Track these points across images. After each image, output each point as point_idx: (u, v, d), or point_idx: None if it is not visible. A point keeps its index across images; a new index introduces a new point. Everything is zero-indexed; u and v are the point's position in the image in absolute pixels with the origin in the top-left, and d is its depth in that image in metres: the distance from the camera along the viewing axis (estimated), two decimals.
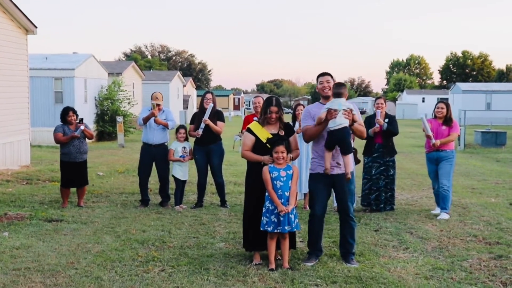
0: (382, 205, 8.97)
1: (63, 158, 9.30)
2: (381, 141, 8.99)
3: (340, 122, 5.84)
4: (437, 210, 8.91)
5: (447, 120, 8.93)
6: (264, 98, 6.56)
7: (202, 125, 9.05)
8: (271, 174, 5.79)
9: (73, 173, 9.21)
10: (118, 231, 7.51)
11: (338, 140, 5.90)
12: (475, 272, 5.81)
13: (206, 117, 9.03)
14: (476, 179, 13.05)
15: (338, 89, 5.98)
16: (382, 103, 9.18)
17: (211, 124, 9.05)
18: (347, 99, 6.11)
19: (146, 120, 9.27)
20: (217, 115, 9.26)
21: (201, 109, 9.26)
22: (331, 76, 6.28)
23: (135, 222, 8.07)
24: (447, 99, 52.19)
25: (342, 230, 6.26)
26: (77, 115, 9.38)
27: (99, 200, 9.80)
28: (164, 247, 6.68)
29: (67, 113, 9.27)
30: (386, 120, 9.05)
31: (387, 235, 7.42)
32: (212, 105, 9.14)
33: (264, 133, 6.05)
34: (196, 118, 9.35)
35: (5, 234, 7.23)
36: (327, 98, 6.10)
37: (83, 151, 9.33)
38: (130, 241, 6.96)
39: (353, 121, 5.97)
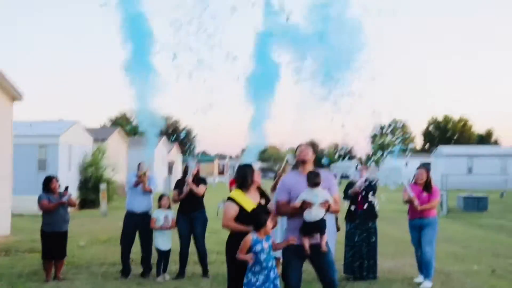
0: (365, 273, 8.93)
1: (46, 229, 9.08)
2: (362, 208, 9.05)
3: (316, 214, 5.75)
4: (420, 278, 8.87)
5: (427, 186, 9.05)
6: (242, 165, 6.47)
7: (185, 188, 9.09)
8: (255, 248, 5.60)
9: (56, 244, 9.01)
10: None
11: (314, 230, 5.81)
12: None
13: (188, 175, 9.11)
14: (459, 245, 13.06)
15: (314, 179, 5.82)
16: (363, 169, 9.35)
17: (192, 184, 9.08)
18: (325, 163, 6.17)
19: (136, 184, 9.30)
20: (199, 181, 9.32)
21: (185, 176, 9.35)
22: (312, 146, 6.31)
23: None
24: (429, 163, 52.80)
25: None
26: (59, 184, 9.36)
27: (79, 272, 9.61)
28: None
29: (50, 181, 9.20)
30: (366, 183, 9.19)
31: None
32: (195, 163, 9.22)
33: (248, 203, 5.98)
34: (180, 184, 9.40)
35: None
36: (304, 162, 6.05)
37: (67, 220, 9.24)
38: None
39: (328, 207, 5.84)
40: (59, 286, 8.53)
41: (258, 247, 5.61)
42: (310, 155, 6.07)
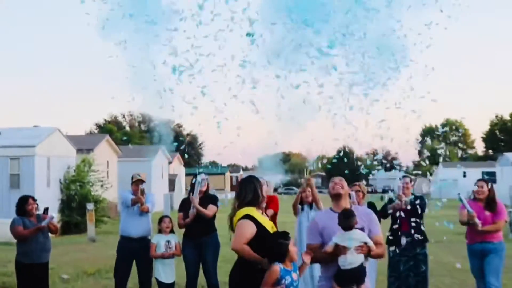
0: None
1: (23, 260, 9.12)
2: (407, 229, 9.05)
3: (352, 260, 5.78)
4: None
5: (490, 203, 9.08)
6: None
7: (192, 211, 9.18)
8: (284, 280, 5.62)
9: (34, 278, 9.10)
10: None
11: (350, 279, 5.83)
12: None
13: (194, 194, 9.21)
14: None
15: (346, 222, 5.84)
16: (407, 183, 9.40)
17: (198, 206, 9.14)
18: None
19: (133, 203, 9.47)
20: (209, 200, 9.44)
21: (189, 194, 9.49)
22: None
23: None
24: (494, 173, 52.60)
25: None
26: (37, 205, 9.50)
27: None
28: None
29: (26, 202, 9.32)
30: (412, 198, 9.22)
31: None
32: (202, 179, 9.28)
33: (267, 222, 6.10)
34: (186, 205, 9.53)
35: None
36: (338, 197, 6.15)
37: (48, 248, 9.33)
38: None
39: (368, 252, 5.90)
40: None
41: (287, 279, 5.63)
42: (345, 188, 6.17)
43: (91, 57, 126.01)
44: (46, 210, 9.45)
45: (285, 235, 5.83)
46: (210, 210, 9.24)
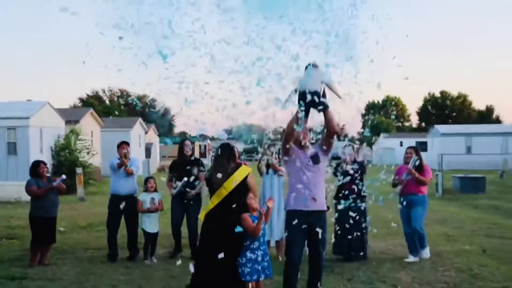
0: (354, 253, 9.60)
1: (36, 213, 9.53)
2: (350, 188, 9.61)
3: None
4: (410, 258, 9.63)
5: (418, 166, 9.77)
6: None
7: (182, 183, 9.64)
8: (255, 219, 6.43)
9: (45, 229, 9.50)
10: (87, 287, 7.99)
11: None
12: None
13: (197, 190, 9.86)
14: (452, 226, 13.86)
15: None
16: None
17: (196, 191, 9.88)
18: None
19: (119, 166, 9.85)
20: (197, 164, 10.04)
21: (180, 157, 9.98)
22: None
23: (104, 277, 8.55)
24: (425, 143, 53.79)
25: (311, 274, 6.69)
26: (47, 168, 9.87)
27: (64, 257, 10.17)
28: None
29: (38, 166, 9.69)
30: (355, 165, 9.84)
31: (360, 284, 8.05)
32: (194, 177, 9.61)
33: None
34: (176, 167, 10.09)
35: None
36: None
37: (57, 204, 9.76)
38: None
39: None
40: (45, 270, 9.09)
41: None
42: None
43: (74, 37, 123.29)
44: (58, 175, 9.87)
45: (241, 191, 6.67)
46: (202, 177, 9.59)
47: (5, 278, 8.53)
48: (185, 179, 9.37)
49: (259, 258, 6.37)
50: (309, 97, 6.19)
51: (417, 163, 9.76)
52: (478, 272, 8.70)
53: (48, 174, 9.75)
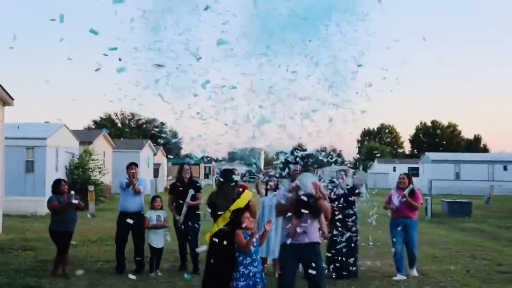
0: (345, 273, 9.64)
1: (56, 227, 9.66)
2: (343, 211, 9.70)
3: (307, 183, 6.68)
4: (398, 277, 9.72)
5: (410, 191, 10.00)
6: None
7: (184, 210, 9.96)
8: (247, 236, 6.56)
9: (63, 242, 9.64)
10: None
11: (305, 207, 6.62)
12: None
13: (188, 199, 9.97)
14: (439, 247, 13.92)
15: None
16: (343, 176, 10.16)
17: (194, 203, 10.06)
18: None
19: (127, 185, 10.00)
20: (195, 186, 10.23)
21: (179, 180, 10.15)
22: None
23: None
24: (417, 168, 53.88)
25: None
26: (68, 185, 10.05)
27: (75, 268, 10.22)
28: None
29: (59, 183, 9.92)
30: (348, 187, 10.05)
31: None
32: (192, 191, 10.03)
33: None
34: (175, 189, 10.24)
35: None
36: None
37: (75, 220, 9.90)
38: None
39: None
40: (57, 280, 9.19)
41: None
42: None
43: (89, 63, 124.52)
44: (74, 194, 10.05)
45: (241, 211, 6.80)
46: (199, 198, 10.19)
47: (21, 287, 8.63)
48: (185, 208, 9.90)
49: (251, 274, 6.46)
50: (304, 198, 6.58)
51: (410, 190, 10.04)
52: None
53: (72, 192, 9.89)
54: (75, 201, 9.60)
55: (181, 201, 9.94)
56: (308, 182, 6.67)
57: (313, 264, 6.57)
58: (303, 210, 6.56)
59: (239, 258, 6.54)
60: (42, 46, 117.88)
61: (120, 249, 10.06)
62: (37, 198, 22.75)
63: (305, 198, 6.56)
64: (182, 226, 10.00)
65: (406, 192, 10.00)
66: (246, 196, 6.90)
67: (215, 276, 6.77)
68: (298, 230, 6.60)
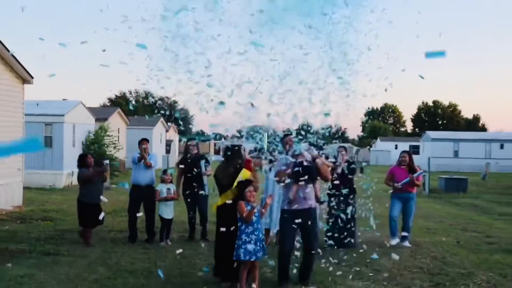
0: (344, 240, 9.88)
1: (84, 199, 9.81)
2: (340, 187, 9.89)
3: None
4: (392, 241, 10.27)
5: (411, 167, 10.36)
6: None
7: (205, 180, 10.42)
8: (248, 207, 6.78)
9: (92, 213, 9.73)
10: (110, 263, 8.35)
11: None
12: None
13: (203, 169, 10.36)
14: (433, 220, 14.10)
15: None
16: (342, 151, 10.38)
17: (207, 173, 10.37)
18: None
19: (139, 160, 10.22)
20: (203, 159, 10.53)
21: (186, 154, 10.53)
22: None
23: (125, 255, 8.91)
24: (418, 146, 53.86)
25: (304, 260, 7.23)
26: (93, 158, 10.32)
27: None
28: (151, 276, 7.52)
29: (86, 157, 10.21)
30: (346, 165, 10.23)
31: (346, 267, 8.33)
32: (204, 161, 10.41)
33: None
34: (183, 162, 10.50)
35: (9, 265, 8.00)
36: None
37: (101, 192, 10.06)
38: (121, 271, 7.81)
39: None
40: (74, 247, 9.47)
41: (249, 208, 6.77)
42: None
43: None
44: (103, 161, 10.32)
45: (245, 184, 6.92)
46: (208, 171, 10.42)
47: (41, 254, 8.93)
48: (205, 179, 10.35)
49: (252, 242, 6.66)
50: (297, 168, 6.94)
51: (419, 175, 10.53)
52: (450, 260, 8.97)
53: (106, 161, 10.09)
54: (105, 163, 9.84)
55: (189, 174, 10.11)
56: (302, 148, 6.91)
57: (309, 223, 6.98)
58: (300, 174, 6.87)
59: (241, 227, 6.74)
60: (63, 29, 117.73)
61: (132, 220, 10.31)
62: (55, 171, 23.10)
63: (303, 161, 6.93)
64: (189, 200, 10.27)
65: (415, 175, 10.40)
66: (244, 175, 7.05)
67: (225, 242, 7.01)
68: (301, 195, 6.84)
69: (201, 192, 10.01)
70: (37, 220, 12.92)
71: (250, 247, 6.64)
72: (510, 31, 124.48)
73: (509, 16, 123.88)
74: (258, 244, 6.69)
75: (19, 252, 9.02)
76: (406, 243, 10.26)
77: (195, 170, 10.03)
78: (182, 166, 10.35)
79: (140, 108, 75.89)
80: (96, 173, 9.92)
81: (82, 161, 10.11)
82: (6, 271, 7.64)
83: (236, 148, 7.43)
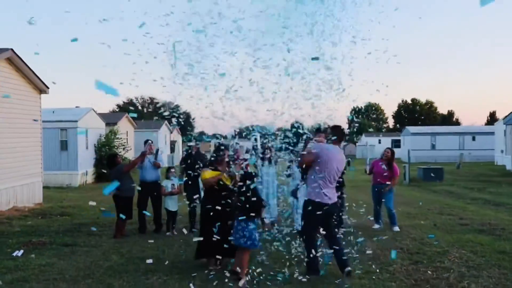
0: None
1: (120, 193, 9.70)
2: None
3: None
4: (376, 226, 10.45)
5: (389, 163, 10.62)
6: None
7: None
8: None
9: (125, 206, 9.73)
10: (122, 251, 8.43)
11: None
12: (396, 274, 6.88)
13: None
14: (413, 206, 14.22)
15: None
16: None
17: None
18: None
19: (143, 155, 10.25)
20: (202, 158, 10.44)
21: (188, 155, 10.48)
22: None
23: (136, 244, 8.99)
24: (399, 140, 54.07)
25: (334, 250, 6.98)
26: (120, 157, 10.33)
27: (105, 229, 10.60)
28: (159, 262, 7.60)
29: (116, 156, 10.38)
30: None
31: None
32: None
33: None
34: (184, 161, 10.49)
35: (32, 256, 8.09)
36: None
37: (133, 187, 10.00)
38: (133, 258, 7.89)
39: None
40: (89, 239, 9.54)
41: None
42: None
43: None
44: (157, 150, 10.61)
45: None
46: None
47: (60, 245, 9.01)
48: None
49: (246, 230, 6.57)
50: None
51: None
52: (428, 240, 9.08)
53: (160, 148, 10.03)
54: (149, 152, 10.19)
55: (190, 172, 10.17)
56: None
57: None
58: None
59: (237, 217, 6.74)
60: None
61: (142, 212, 10.37)
62: (71, 172, 23.15)
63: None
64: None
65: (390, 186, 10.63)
66: (204, 175, 7.32)
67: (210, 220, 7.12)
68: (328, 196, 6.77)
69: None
70: (56, 215, 12.99)
71: (243, 233, 6.61)
72: (479, 33, 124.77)
73: (476, 18, 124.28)
74: (253, 232, 6.66)
75: (41, 244, 9.10)
76: (396, 228, 10.32)
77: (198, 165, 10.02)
78: (181, 166, 10.50)
79: (143, 114, 76.13)
80: (139, 157, 10.05)
81: (112, 161, 10.14)
82: (31, 261, 7.72)
83: (222, 148, 7.50)
